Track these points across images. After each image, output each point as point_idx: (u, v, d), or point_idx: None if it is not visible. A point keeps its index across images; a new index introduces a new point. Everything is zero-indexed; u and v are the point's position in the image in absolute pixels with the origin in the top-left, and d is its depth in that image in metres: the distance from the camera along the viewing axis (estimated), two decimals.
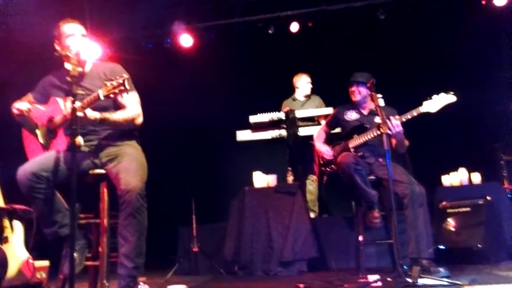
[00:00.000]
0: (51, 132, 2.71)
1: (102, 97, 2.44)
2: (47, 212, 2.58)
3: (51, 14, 5.21)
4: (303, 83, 5.32)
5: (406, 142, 3.51)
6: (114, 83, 2.41)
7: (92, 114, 2.54)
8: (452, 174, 4.30)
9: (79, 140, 2.50)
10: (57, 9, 5.40)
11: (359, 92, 3.65)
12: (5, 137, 4.84)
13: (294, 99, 5.37)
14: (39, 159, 2.61)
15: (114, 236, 2.67)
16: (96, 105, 2.55)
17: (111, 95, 2.43)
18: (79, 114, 2.41)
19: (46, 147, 2.72)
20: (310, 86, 5.32)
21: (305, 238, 3.95)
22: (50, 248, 3.05)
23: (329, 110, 4.74)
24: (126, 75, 2.44)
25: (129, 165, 2.64)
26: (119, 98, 2.71)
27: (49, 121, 2.71)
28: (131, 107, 2.74)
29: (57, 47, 2.78)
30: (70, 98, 2.30)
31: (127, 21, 6.18)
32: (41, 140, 2.75)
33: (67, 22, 2.80)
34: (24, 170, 2.52)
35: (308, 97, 5.34)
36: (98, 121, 2.58)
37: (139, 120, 2.78)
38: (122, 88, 2.41)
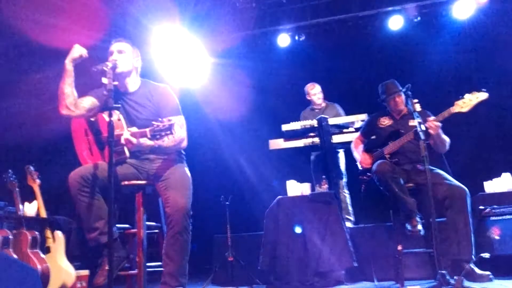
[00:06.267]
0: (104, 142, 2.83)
1: (149, 136, 2.57)
2: (89, 216, 2.66)
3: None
4: (310, 95, 5.23)
5: (446, 139, 3.41)
6: (161, 126, 2.52)
7: (146, 142, 2.64)
8: (495, 180, 4.14)
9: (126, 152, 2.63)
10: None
11: (402, 101, 3.61)
12: (45, 152, 5.02)
13: (313, 109, 5.29)
14: (90, 166, 2.73)
15: (149, 246, 2.71)
16: (140, 125, 2.69)
17: (158, 136, 2.55)
18: (133, 140, 2.56)
19: (101, 153, 2.85)
20: (317, 97, 5.17)
21: (342, 248, 3.87)
22: (91, 258, 3.12)
23: (363, 116, 4.65)
24: (172, 121, 2.53)
25: (178, 184, 2.74)
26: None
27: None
28: (178, 132, 2.78)
29: None
30: (116, 113, 2.50)
31: None
32: (98, 146, 2.88)
33: (114, 41, 2.90)
34: (75, 173, 2.67)
35: (324, 105, 5.22)
36: (151, 147, 2.68)
37: (184, 144, 2.86)
38: (168, 132, 2.54)
